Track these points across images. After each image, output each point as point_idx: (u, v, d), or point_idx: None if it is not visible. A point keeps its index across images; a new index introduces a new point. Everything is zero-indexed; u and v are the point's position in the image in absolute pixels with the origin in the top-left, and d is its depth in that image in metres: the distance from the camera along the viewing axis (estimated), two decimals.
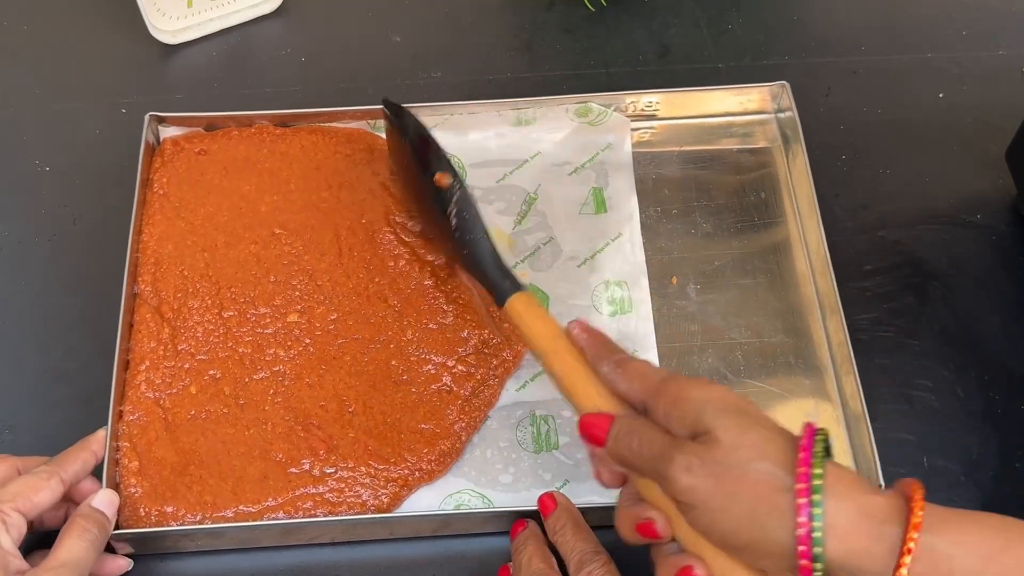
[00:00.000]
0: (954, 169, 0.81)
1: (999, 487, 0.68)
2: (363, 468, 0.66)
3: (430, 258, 0.74)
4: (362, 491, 0.66)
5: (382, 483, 0.66)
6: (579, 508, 0.65)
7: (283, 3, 0.89)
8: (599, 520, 0.66)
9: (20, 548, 0.59)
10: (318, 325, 0.71)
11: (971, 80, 0.86)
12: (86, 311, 0.74)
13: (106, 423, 0.66)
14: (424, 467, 0.67)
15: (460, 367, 0.70)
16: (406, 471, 0.67)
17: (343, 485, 0.66)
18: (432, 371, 0.70)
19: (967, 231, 0.78)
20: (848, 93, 0.85)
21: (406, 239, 0.75)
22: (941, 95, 0.85)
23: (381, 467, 0.66)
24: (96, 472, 0.65)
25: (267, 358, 0.70)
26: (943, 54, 0.87)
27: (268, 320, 0.71)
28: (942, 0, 0.91)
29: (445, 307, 0.72)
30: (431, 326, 0.71)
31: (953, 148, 0.82)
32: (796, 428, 0.71)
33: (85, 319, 0.74)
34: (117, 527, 0.63)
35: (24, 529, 0.59)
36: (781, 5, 0.90)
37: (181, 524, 0.65)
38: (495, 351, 0.71)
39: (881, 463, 0.65)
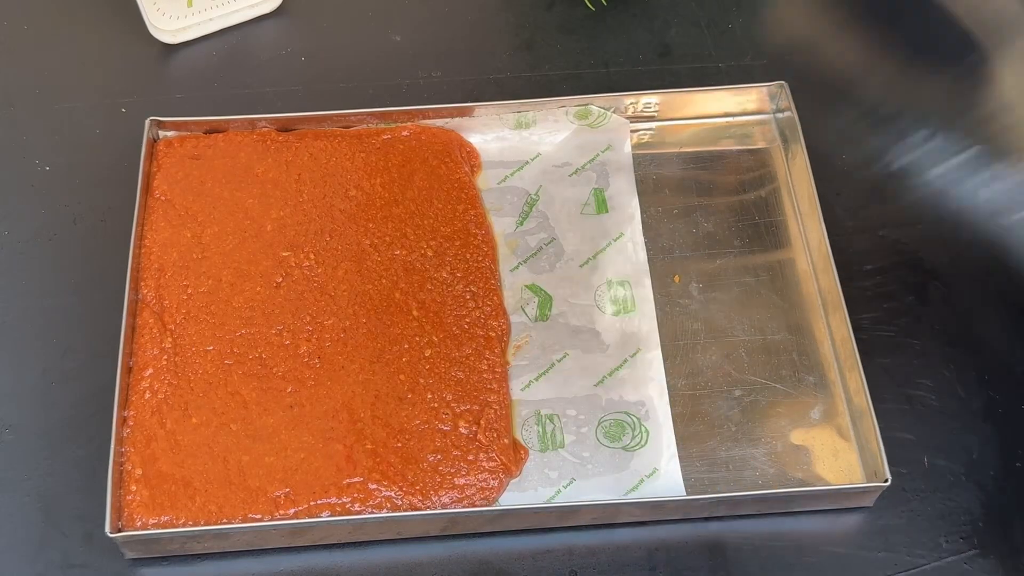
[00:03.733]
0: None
1: (999, 487, 0.68)
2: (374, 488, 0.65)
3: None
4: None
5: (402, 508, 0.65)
6: (584, 508, 0.65)
7: (283, 3, 0.89)
8: (605, 518, 0.66)
9: None
10: (328, 336, 0.70)
11: None
12: (86, 311, 0.74)
13: (107, 424, 0.66)
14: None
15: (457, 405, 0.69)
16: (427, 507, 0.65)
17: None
18: (435, 406, 0.68)
19: (967, 231, 0.78)
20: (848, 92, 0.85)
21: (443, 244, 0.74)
22: None
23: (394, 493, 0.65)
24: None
25: (277, 374, 0.68)
26: None
27: (279, 354, 0.69)
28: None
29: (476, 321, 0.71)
30: (454, 329, 0.70)
31: None
32: (802, 425, 0.70)
33: (85, 319, 0.73)
34: (119, 531, 0.63)
35: None
36: (781, 5, 0.90)
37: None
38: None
39: None
